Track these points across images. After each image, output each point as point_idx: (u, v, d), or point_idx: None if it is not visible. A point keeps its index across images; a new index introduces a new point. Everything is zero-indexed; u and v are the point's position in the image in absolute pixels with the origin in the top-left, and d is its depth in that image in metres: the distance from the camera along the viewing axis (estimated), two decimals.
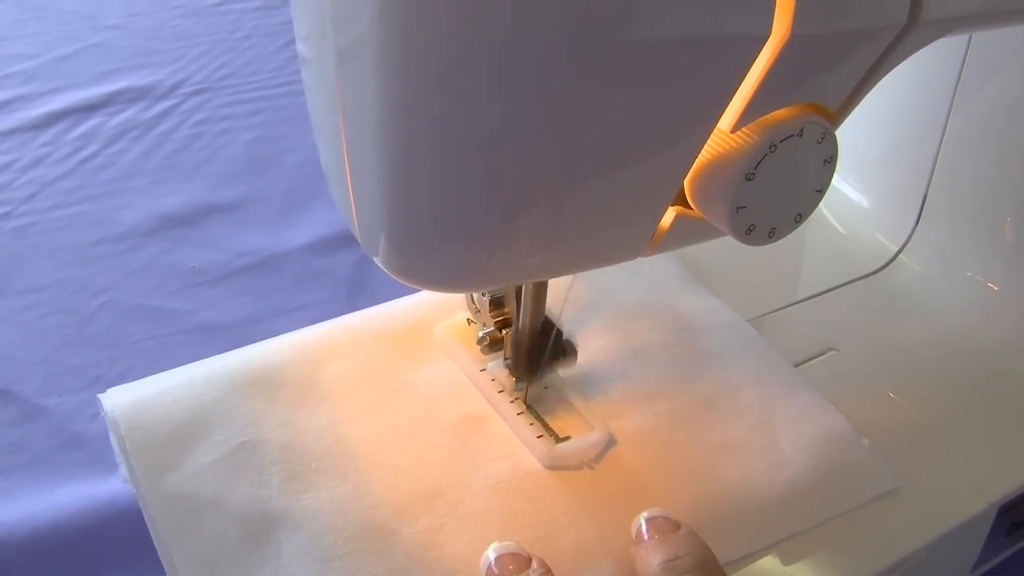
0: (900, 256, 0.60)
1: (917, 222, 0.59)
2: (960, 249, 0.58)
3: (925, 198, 0.58)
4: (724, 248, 0.57)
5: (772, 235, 0.36)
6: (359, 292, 0.73)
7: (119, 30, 1.10)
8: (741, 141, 0.33)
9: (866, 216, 0.62)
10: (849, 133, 0.61)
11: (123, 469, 0.46)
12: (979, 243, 0.57)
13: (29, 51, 1.06)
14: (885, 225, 0.61)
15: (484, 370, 0.49)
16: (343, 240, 0.77)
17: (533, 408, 0.47)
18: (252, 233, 0.79)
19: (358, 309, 0.55)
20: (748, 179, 0.33)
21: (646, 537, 0.41)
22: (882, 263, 0.60)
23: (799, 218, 0.36)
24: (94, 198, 0.83)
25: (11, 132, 0.92)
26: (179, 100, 0.98)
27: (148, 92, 0.99)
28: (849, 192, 0.63)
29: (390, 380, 0.49)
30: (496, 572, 0.39)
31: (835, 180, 0.63)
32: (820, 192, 0.36)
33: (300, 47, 0.37)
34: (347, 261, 0.76)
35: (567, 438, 0.46)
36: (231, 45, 1.08)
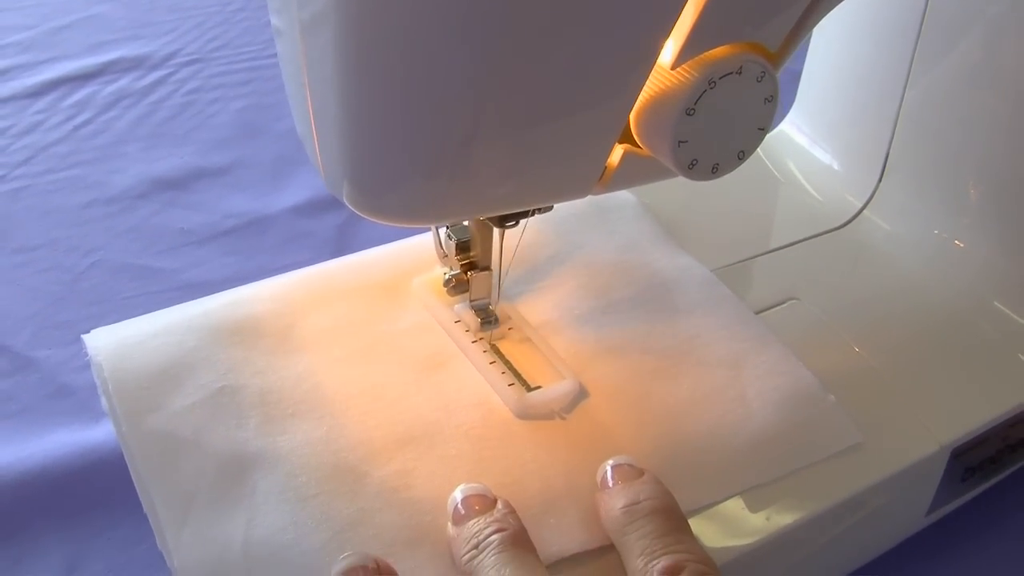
0: (866, 213, 0.61)
1: (880, 179, 0.60)
2: (926, 208, 0.59)
3: (887, 157, 0.59)
4: (693, 203, 0.59)
5: (715, 171, 0.37)
6: (342, 252, 0.73)
7: (115, 2, 1.12)
8: (681, 77, 0.34)
9: (834, 176, 0.63)
10: (816, 95, 0.63)
11: (104, 402, 0.47)
12: (946, 202, 0.58)
13: (26, 22, 1.07)
14: (852, 184, 0.62)
15: (458, 322, 0.50)
16: (328, 203, 0.79)
17: (503, 355, 0.49)
18: (240, 196, 0.81)
19: None
20: (688, 114, 0.35)
21: (610, 483, 0.42)
22: (847, 219, 0.61)
23: (742, 155, 0.37)
24: (87, 163, 0.85)
25: (7, 100, 0.94)
26: (172, 70, 0.99)
27: (142, 62, 1.00)
28: (818, 153, 0.64)
29: (367, 331, 0.51)
30: (462, 512, 0.41)
31: (804, 141, 0.65)
32: (763, 130, 0.37)
33: (273, 20, 0.38)
34: (331, 223, 0.78)
35: (538, 387, 0.47)
36: (225, 17, 1.10)
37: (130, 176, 0.83)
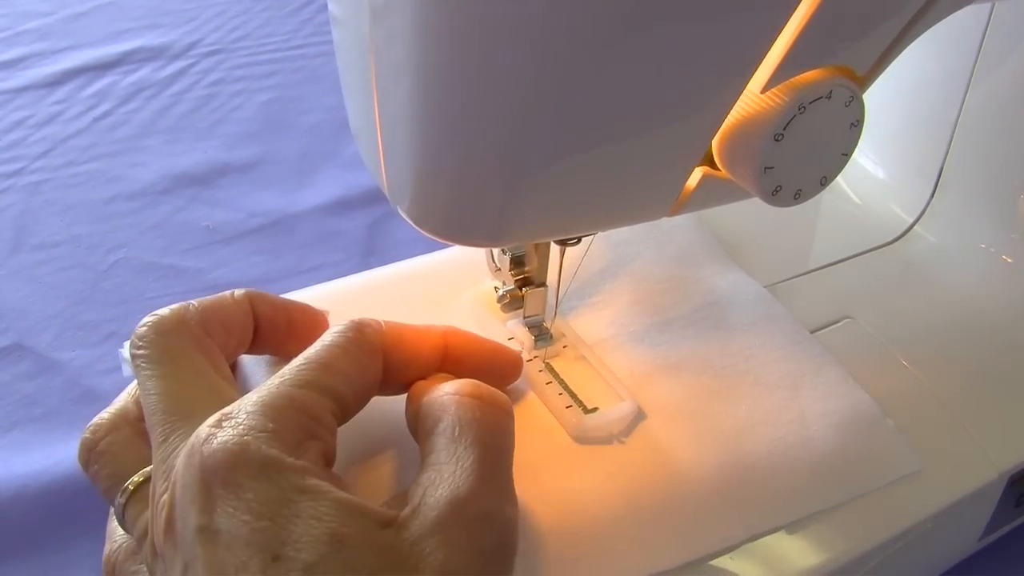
0: (915, 228, 0.60)
1: (932, 194, 0.59)
2: (975, 222, 0.58)
3: (941, 170, 0.58)
4: (744, 216, 0.58)
5: (798, 196, 0.36)
6: (372, 253, 0.73)
7: None
8: (771, 102, 0.33)
9: (883, 187, 0.62)
10: (868, 105, 0.62)
11: None
12: (993, 216, 0.57)
13: (43, 8, 1.06)
14: (901, 197, 0.61)
15: (511, 339, 0.49)
16: (357, 201, 0.78)
17: (559, 375, 0.47)
18: (266, 193, 0.80)
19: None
20: (776, 140, 0.33)
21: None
22: (897, 234, 0.60)
23: (824, 180, 0.36)
24: (108, 156, 0.84)
25: (24, 89, 0.92)
26: (193, 60, 0.98)
27: (162, 52, 0.99)
28: (866, 164, 0.63)
29: None
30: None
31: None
32: (846, 155, 0.36)
33: (331, 7, 0.37)
34: (361, 223, 0.76)
35: (595, 409, 0.46)
36: (246, 7, 1.08)
37: (152, 170, 0.82)
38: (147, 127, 0.88)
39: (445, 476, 0.33)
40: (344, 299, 0.51)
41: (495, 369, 0.43)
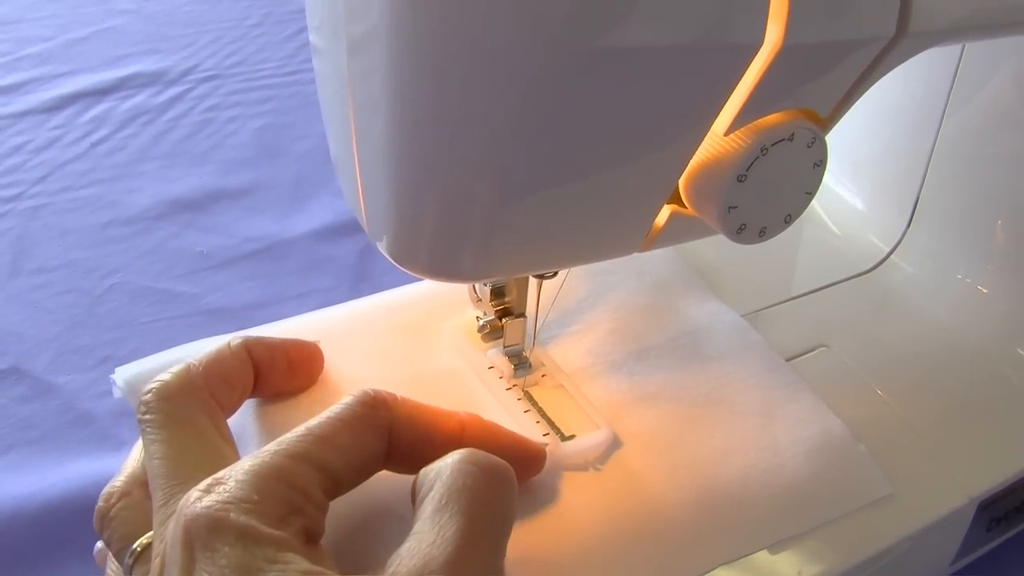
0: (891, 257, 0.61)
1: (909, 224, 0.60)
2: (951, 252, 0.59)
3: (917, 201, 0.59)
4: (720, 246, 0.59)
5: (763, 234, 0.37)
6: (364, 280, 0.75)
7: (132, 15, 1.12)
8: (734, 144, 0.34)
9: (859, 217, 0.63)
10: (844, 135, 0.63)
11: None
12: (969, 246, 0.58)
13: (43, 33, 1.07)
14: (878, 226, 0.62)
15: (492, 368, 0.49)
16: (349, 228, 0.79)
17: (537, 403, 0.48)
18: (259, 219, 0.81)
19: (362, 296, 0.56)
20: (740, 180, 0.34)
21: None
22: (874, 263, 0.61)
23: (789, 219, 0.37)
24: (104, 181, 0.85)
25: (24, 114, 0.94)
26: (190, 86, 0.99)
27: (159, 77, 1.00)
28: (843, 193, 0.64)
29: (398, 374, 0.50)
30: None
31: (829, 181, 0.65)
32: (810, 194, 0.37)
33: (312, 37, 0.38)
34: (353, 249, 0.78)
35: (572, 436, 0.47)
36: (242, 32, 1.10)
37: (148, 196, 0.83)
38: (144, 152, 0.89)
39: (423, 546, 0.33)
40: (331, 328, 0.52)
41: (516, 462, 0.40)
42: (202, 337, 0.53)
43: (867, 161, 0.63)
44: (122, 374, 0.49)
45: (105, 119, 0.93)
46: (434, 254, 0.36)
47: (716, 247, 0.59)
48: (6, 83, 0.98)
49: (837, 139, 0.63)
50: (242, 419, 0.46)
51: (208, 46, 1.06)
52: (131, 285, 0.73)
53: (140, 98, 0.97)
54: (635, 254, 0.56)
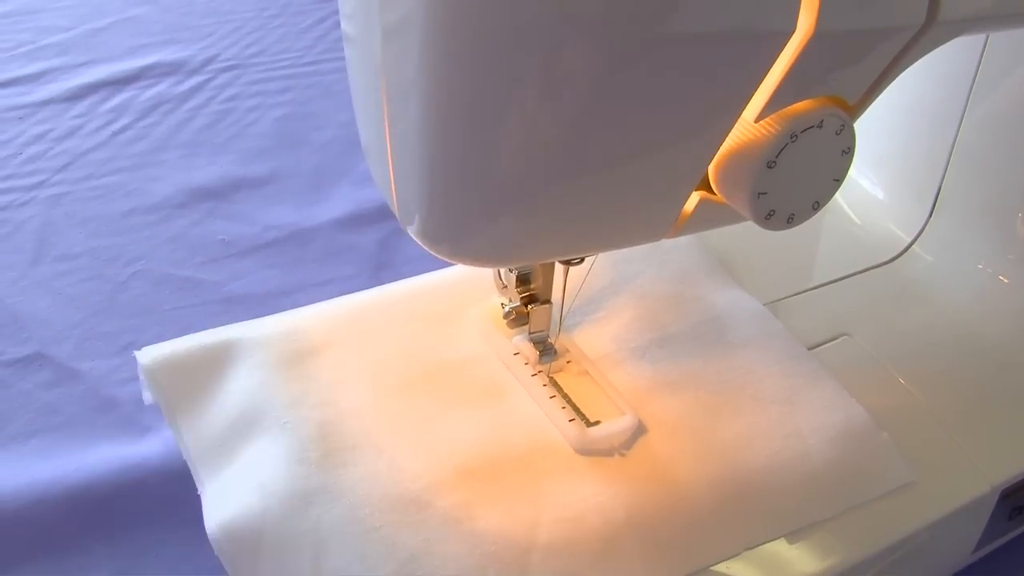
0: (913, 247, 0.61)
1: (930, 214, 0.60)
2: (972, 242, 0.59)
3: (939, 191, 0.59)
4: (743, 235, 0.59)
5: (791, 221, 0.37)
6: (384, 268, 0.75)
7: (152, 5, 1.12)
8: (764, 131, 0.35)
9: (881, 207, 0.63)
10: (866, 126, 0.62)
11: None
12: (990, 236, 0.58)
13: (64, 23, 1.07)
14: (899, 216, 0.62)
15: (517, 354, 0.50)
16: (370, 216, 0.79)
17: (562, 389, 0.49)
18: (280, 208, 0.81)
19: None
20: (769, 167, 0.35)
21: None
22: (895, 253, 0.61)
23: (817, 205, 0.37)
24: (126, 169, 0.85)
25: (45, 103, 0.94)
26: (210, 76, 1.00)
27: (180, 67, 1.01)
28: (865, 184, 0.65)
29: (424, 360, 0.51)
30: None
31: (851, 171, 0.64)
32: (838, 181, 0.37)
33: (344, 24, 0.38)
34: (373, 237, 0.78)
35: (597, 422, 0.47)
36: (262, 23, 1.10)
37: (170, 184, 0.83)
38: (164, 141, 0.89)
39: None
40: (354, 315, 0.52)
41: None
42: (223, 324, 0.54)
43: (889, 151, 0.63)
44: (144, 356, 0.49)
45: (126, 108, 0.93)
46: (464, 240, 0.37)
47: (739, 236, 0.59)
48: (28, 72, 0.98)
49: (859, 129, 0.64)
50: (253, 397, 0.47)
51: (228, 36, 1.06)
52: (154, 272, 0.74)
53: (161, 87, 0.97)
54: (658, 244, 0.57)
